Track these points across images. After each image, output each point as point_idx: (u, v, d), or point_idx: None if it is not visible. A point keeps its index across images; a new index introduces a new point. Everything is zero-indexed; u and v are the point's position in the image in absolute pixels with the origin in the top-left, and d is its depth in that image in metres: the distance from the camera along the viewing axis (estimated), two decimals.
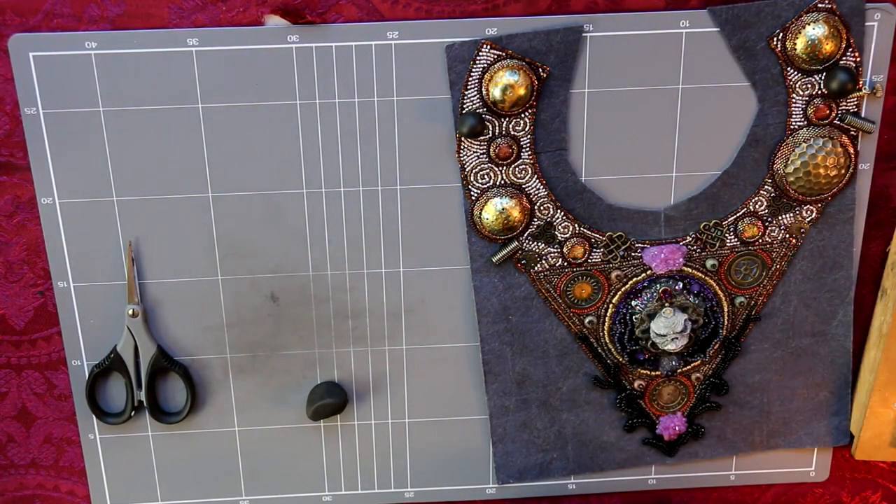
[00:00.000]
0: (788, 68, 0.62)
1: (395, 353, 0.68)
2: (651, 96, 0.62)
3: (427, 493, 0.72)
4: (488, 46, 0.60)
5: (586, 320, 0.67)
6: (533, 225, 0.64)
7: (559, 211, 0.64)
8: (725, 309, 0.67)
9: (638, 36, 0.61)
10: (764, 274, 0.67)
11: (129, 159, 0.62)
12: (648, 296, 0.66)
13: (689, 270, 0.66)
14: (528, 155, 0.63)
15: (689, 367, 0.69)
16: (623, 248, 0.65)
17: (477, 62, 0.60)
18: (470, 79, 0.60)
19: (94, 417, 0.68)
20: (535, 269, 0.65)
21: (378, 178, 0.63)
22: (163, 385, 0.68)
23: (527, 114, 0.61)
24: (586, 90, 0.62)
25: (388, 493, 0.72)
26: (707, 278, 0.66)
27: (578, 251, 0.65)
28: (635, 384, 0.69)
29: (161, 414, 0.68)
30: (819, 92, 0.62)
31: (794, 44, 0.61)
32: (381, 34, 0.60)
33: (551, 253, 0.65)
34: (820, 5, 0.60)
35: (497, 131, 0.62)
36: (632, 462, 0.72)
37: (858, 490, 0.76)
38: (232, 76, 0.60)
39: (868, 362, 0.70)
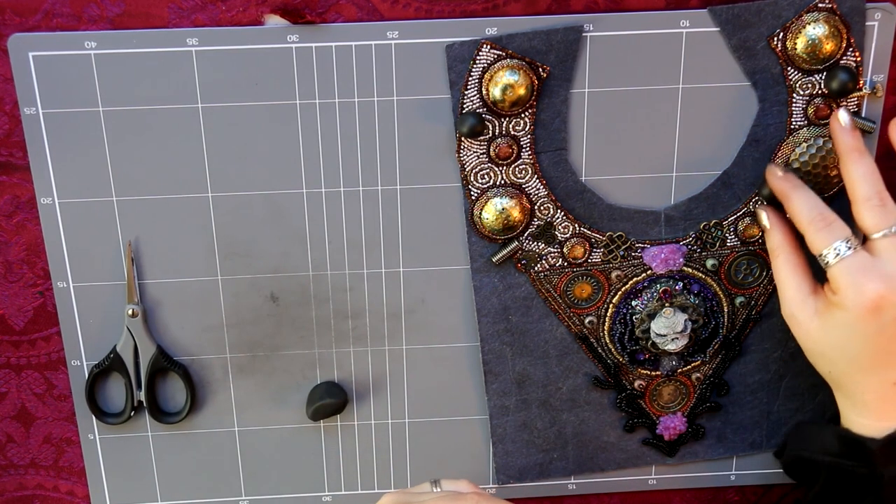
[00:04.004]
0: (789, 68, 0.62)
1: (395, 353, 0.68)
2: (651, 96, 0.62)
3: None
4: (488, 46, 0.60)
5: (586, 320, 0.67)
6: (533, 225, 0.64)
7: (559, 211, 0.64)
8: (725, 309, 0.67)
9: (638, 36, 0.61)
10: (764, 274, 0.67)
11: (129, 159, 0.62)
12: (648, 296, 0.66)
13: (690, 270, 0.66)
14: (528, 155, 0.63)
15: (689, 367, 0.69)
16: (623, 248, 0.65)
17: (477, 62, 0.60)
18: (470, 79, 0.60)
19: (94, 417, 0.68)
20: (535, 269, 0.65)
21: (378, 178, 0.63)
22: (162, 385, 0.68)
23: (527, 114, 0.61)
24: (586, 90, 0.62)
25: None
26: (707, 278, 0.66)
27: (578, 251, 0.65)
28: (635, 384, 0.69)
29: (161, 414, 0.68)
30: (819, 92, 0.62)
31: (795, 43, 0.61)
32: (381, 34, 0.60)
33: (551, 253, 0.65)
34: (820, 5, 0.60)
35: (497, 131, 0.62)
36: (632, 462, 0.72)
37: None
38: (232, 76, 0.60)
39: None
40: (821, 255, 0.58)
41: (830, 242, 0.58)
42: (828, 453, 0.63)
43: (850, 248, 0.57)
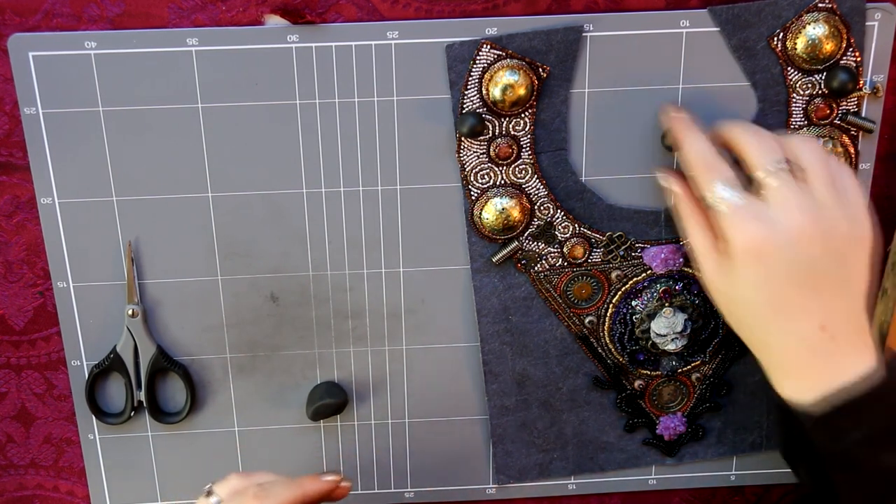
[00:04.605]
0: (789, 68, 0.62)
1: (395, 353, 0.68)
2: (651, 96, 0.62)
3: (427, 493, 0.72)
4: (488, 46, 0.60)
5: (586, 320, 0.67)
6: (533, 225, 0.64)
7: (559, 211, 0.64)
8: None
9: (638, 36, 0.61)
10: None
11: (129, 159, 0.62)
12: (648, 296, 0.66)
13: (690, 270, 0.66)
14: (528, 155, 0.63)
15: (689, 367, 0.69)
16: (623, 248, 0.65)
17: (477, 62, 0.60)
18: (470, 79, 0.60)
19: (94, 418, 0.68)
20: (535, 269, 0.65)
21: (378, 178, 0.63)
22: (162, 385, 0.68)
23: (527, 114, 0.61)
24: (586, 90, 0.62)
25: (388, 494, 0.72)
26: None
27: (578, 251, 0.65)
28: (635, 384, 0.69)
29: (161, 414, 0.68)
30: (819, 92, 0.62)
31: (795, 43, 0.61)
32: (381, 34, 0.60)
33: (551, 253, 0.65)
34: (820, 5, 0.60)
35: (497, 131, 0.62)
36: (632, 462, 0.72)
37: None
38: (232, 76, 0.60)
39: None
40: (704, 200, 0.56)
41: (713, 186, 0.55)
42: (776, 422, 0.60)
43: (732, 191, 0.54)
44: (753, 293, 0.55)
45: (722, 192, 0.55)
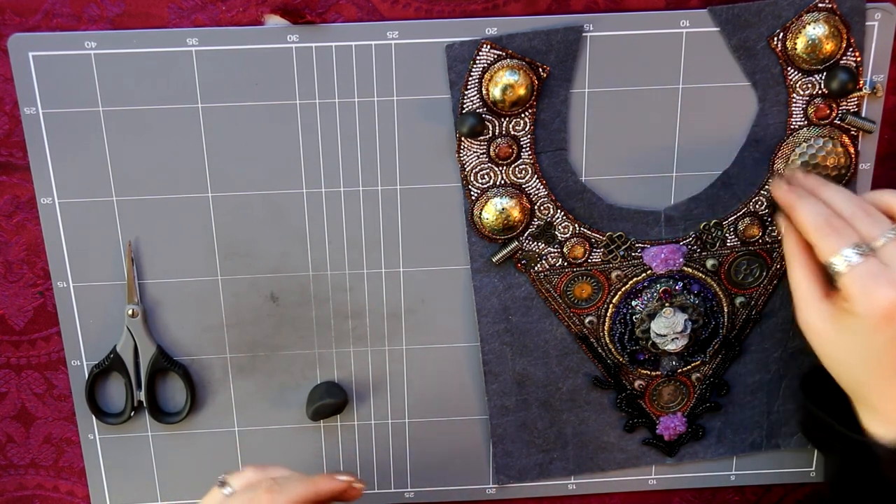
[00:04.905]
0: (789, 68, 0.62)
1: (395, 353, 0.68)
2: (651, 96, 0.62)
3: (427, 493, 0.72)
4: (488, 46, 0.60)
5: (586, 320, 0.67)
6: (533, 225, 0.64)
7: (559, 211, 0.64)
8: (725, 309, 0.67)
9: (638, 36, 0.61)
10: (764, 274, 0.67)
11: (129, 159, 0.62)
12: (648, 296, 0.66)
13: (690, 270, 0.66)
14: (528, 155, 0.63)
15: (689, 367, 0.69)
16: (623, 248, 0.65)
17: (477, 62, 0.60)
18: (470, 79, 0.60)
19: (94, 417, 0.68)
20: (535, 269, 0.65)
21: (378, 178, 0.63)
22: (162, 385, 0.68)
23: (527, 114, 0.61)
24: (586, 90, 0.62)
25: (388, 494, 0.72)
26: (707, 278, 0.66)
27: (578, 251, 0.65)
28: (635, 384, 0.69)
29: (161, 414, 0.68)
30: (819, 92, 0.62)
31: (795, 43, 0.61)
32: (381, 34, 0.60)
33: (551, 253, 0.65)
34: (820, 5, 0.60)
35: (497, 131, 0.62)
36: (632, 462, 0.72)
37: None
38: (232, 76, 0.60)
39: None
40: (830, 264, 0.56)
41: (839, 249, 0.55)
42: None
43: (859, 254, 0.54)
44: (878, 352, 0.55)
45: (847, 254, 0.55)
